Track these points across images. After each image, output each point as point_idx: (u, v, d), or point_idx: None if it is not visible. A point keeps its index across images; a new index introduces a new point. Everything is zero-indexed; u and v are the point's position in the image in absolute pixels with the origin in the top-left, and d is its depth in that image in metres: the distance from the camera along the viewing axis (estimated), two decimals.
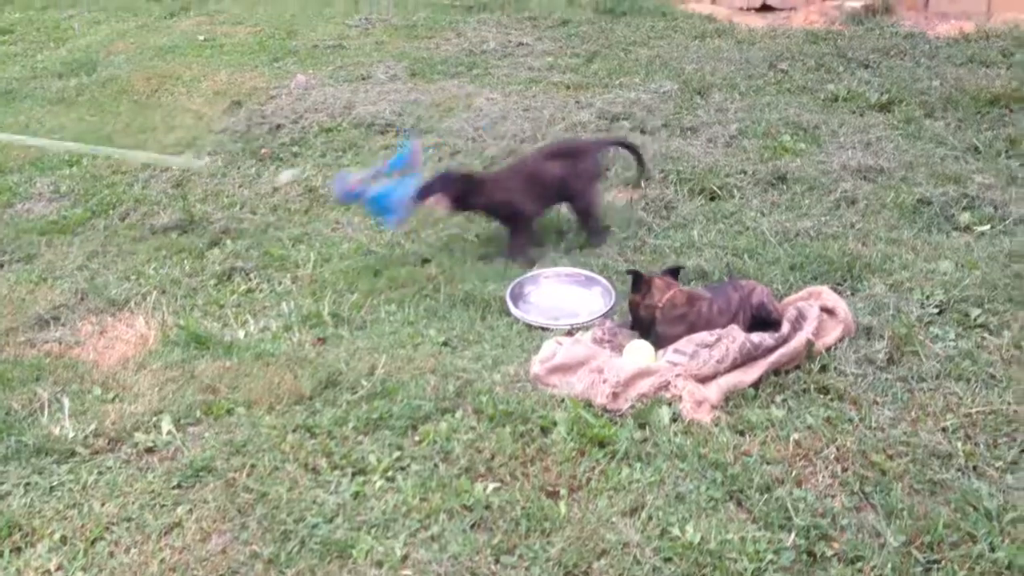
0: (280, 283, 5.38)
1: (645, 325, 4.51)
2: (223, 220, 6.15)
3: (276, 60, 9.26)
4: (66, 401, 4.37)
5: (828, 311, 4.39)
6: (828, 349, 4.28)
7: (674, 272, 4.58)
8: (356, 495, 3.67)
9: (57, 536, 3.58)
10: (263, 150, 7.21)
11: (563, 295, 5.08)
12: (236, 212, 6.28)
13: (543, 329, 4.74)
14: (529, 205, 5.45)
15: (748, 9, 9.50)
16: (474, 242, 5.68)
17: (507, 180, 5.48)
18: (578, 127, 7.05)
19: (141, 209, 6.44)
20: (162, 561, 3.43)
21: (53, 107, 8.46)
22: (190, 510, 3.68)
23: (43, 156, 7.33)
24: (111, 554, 3.49)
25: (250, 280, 5.44)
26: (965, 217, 5.48)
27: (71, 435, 4.14)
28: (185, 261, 5.71)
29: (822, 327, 4.30)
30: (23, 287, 5.51)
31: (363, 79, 8.56)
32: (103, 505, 3.73)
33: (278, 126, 7.58)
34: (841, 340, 4.32)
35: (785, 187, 5.96)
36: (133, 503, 3.73)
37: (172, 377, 4.54)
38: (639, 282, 4.51)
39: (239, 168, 6.93)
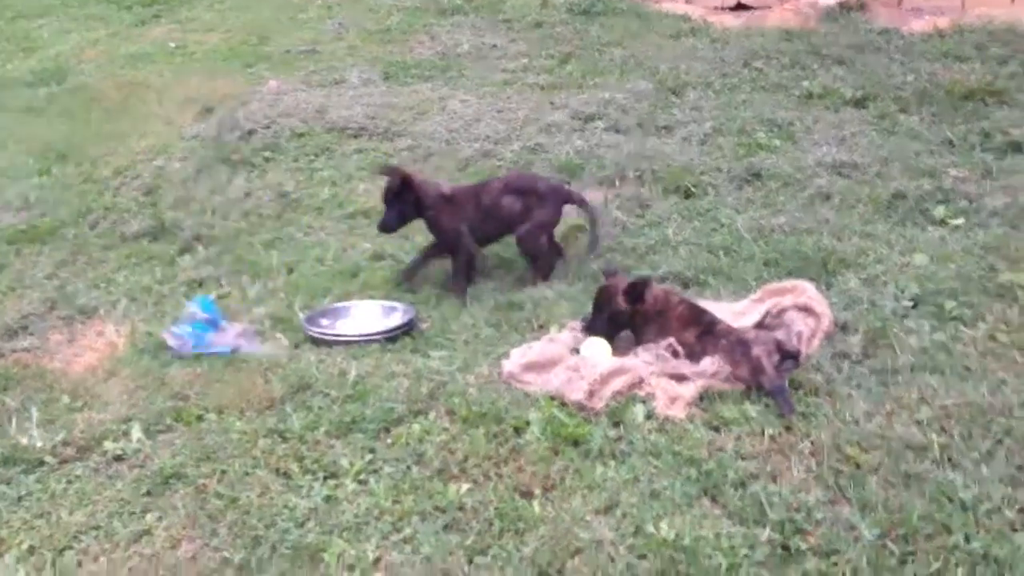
0: (252, 289, 5.32)
1: (619, 329, 4.46)
2: (194, 226, 6.10)
3: (248, 66, 9.18)
4: (34, 410, 4.32)
5: (805, 309, 4.36)
6: None
7: (643, 283, 4.47)
8: (328, 499, 3.63)
9: (25, 546, 3.53)
10: (234, 156, 7.14)
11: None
12: (207, 218, 6.23)
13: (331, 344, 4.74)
14: (474, 242, 5.25)
15: (723, 8, 9.47)
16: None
17: (461, 207, 5.24)
18: (553, 128, 7.01)
19: (111, 217, 6.37)
20: (131, 569, 3.39)
21: (22, 116, 8.36)
22: (159, 517, 3.63)
23: (12, 164, 7.25)
24: (79, 563, 3.44)
25: (221, 286, 5.39)
26: (940, 211, 5.47)
27: (39, 444, 4.08)
28: (156, 268, 5.66)
29: (801, 337, 4.27)
30: None
31: (336, 83, 8.49)
32: (71, 514, 3.68)
33: (250, 131, 7.51)
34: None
35: (760, 184, 5.95)
36: (102, 511, 3.68)
37: (142, 384, 4.49)
38: (642, 291, 4.42)
39: (210, 174, 6.86)
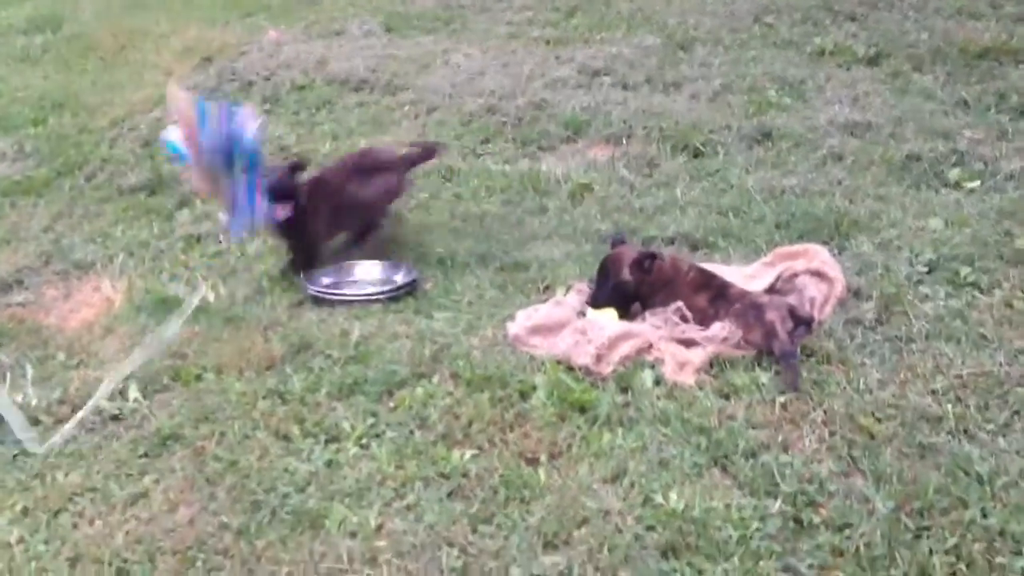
0: (251, 246, 5.21)
1: (625, 302, 4.32)
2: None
3: (248, 15, 9.02)
4: (29, 368, 4.24)
5: (818, 274, 4.26)
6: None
7: (651, 256, 4.31)
8: (329, 463, 3.55)
9: (19, 507, 3.45)
10: None
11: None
12: None
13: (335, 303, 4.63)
14: (322, 235, 4.95)
15: None
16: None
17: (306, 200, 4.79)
18: (558, 83, 6.88)
19: (108, 169, 6.26)
20: (127, 533, 3.30)
21: (17, 65, 8.21)
22: (157, 480, 3.55)
23: (7, 114, 7.12)
24: (75, 525, 3.36)
25: (220, 242, 5.28)
26: (955, 173, 5.35)
27: (34, 403, 4.00)
28: (153, 223, 5.54)
29: (814, 303, 4.17)
30: None
31: (337, 34, 8.36)
32: (67, 475, 3.60)
33: (250, 83, 7.38)
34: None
35: (771, 144, 5.82)
36: (98, 473, 3.60)
37: (138, 342, 4.39)
38: (650, 265, 4.28)
39: None
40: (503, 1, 8.90)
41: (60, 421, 3.92)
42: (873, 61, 6.89)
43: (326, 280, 4.82)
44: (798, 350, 3.89)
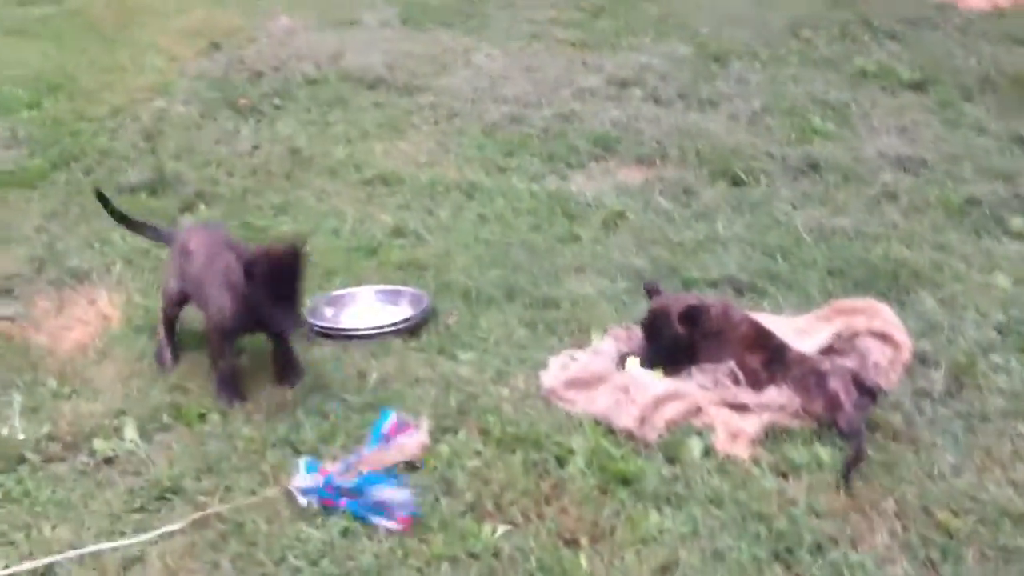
0: None
1: (681, 359, 3.93)
2: (197, 181, 5.61)
3: None
4: (17, 397, 3.88)
5: (882, 336, 3.92)
6: None
7: (701, 309, 3.92)
8: (345, 532, 3.20)
9: (1, 565, 3.11)
10: (242, 100, 6.63)
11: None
12: (212, 172, 5.74)
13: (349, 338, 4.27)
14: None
15: None
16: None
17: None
18: (586, 93, 6.52)
19: (107, 163, 5.88)
20: None
21: (13, 40, 7.80)
22: (154, 542, 3.20)
23: None
24: None
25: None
26: (1018, 222, 5.00)
27: (21, 437, 3.66)
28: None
29: (879, 369, 3.83)
30: None
31: (351, 24, 7.96)
32: (54, 529, 3.27)
33: (259, 74, 6.99)
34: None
35: (818, 176, 5.46)
36: (88, 528, 3.26)
37: (137, 371, 4.06)
38: (698, 317, 3.90)
39: (215, 120, 6.36)
40: None
41: (49, 460, 3.58)
42: (919, 86, 6.53)
43: (328, 311, 4.46)
44: (863, 426, 3.55)
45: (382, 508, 3.26)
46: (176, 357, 4.12)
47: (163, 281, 4.20)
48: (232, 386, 3.89)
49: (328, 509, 3.29)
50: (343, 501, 3.30)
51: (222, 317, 3.85)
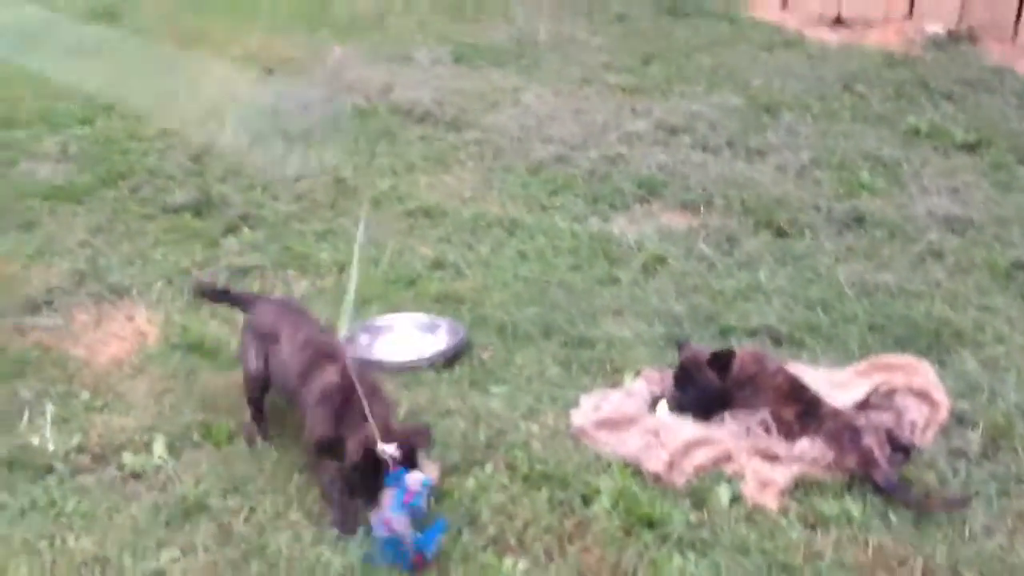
0: (298, 286, 4.87)
1: (715, 408, 3.90)
2: (242, 204, 5.65)
3: (312, 29, 8.70)
4: (50, 406, 3.91)
5: (920, 394, 3.86)
6: None
7: (727, 355, 3.90)
8: (367, 557, 3.19)
9: (23, 573, 3.14)
10: (291, 129, 6.68)
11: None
12: (257, 196, 5.77)
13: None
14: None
15: (820, 23, 8.86)
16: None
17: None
18: (634, 137, 6.51)
19: (155, 182, 5.94)
20: None
21: (71, 58, 7.93)
22: (176, 558, 3.22)
23: (54, 110, 6.83)
24: None
25: (265, 278, 4.94)
26: None
27: (51, 448, 3.70)
28: (197, 248, 5.21)
29: (914, 428, 3.77)
30: (18, 261, 5.04)
31: (403, 60, 8.01)
32: (78, 539, 3.30)
33: (309, 104, 7.04)
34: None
35: (863, 231, 5.39)
36: (113, 541, 3.29)
37: (170, 388, 4.08)
38: (727, 362, 3.87)
39: (264, 147, 6.41)
40: (577, 42, 8.53)
41: (77, 472, 3.61)
42: (972, 148, 6.43)
43: (365, 338, 4.46)
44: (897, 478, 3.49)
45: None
46: (265, 435, 3.81)
47: (243, 359, 3.86)
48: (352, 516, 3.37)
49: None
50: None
51: (320, 436, 3.47)
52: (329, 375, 3.48)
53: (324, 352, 3.58)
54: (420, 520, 3.21)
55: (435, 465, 3.56)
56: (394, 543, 3.16)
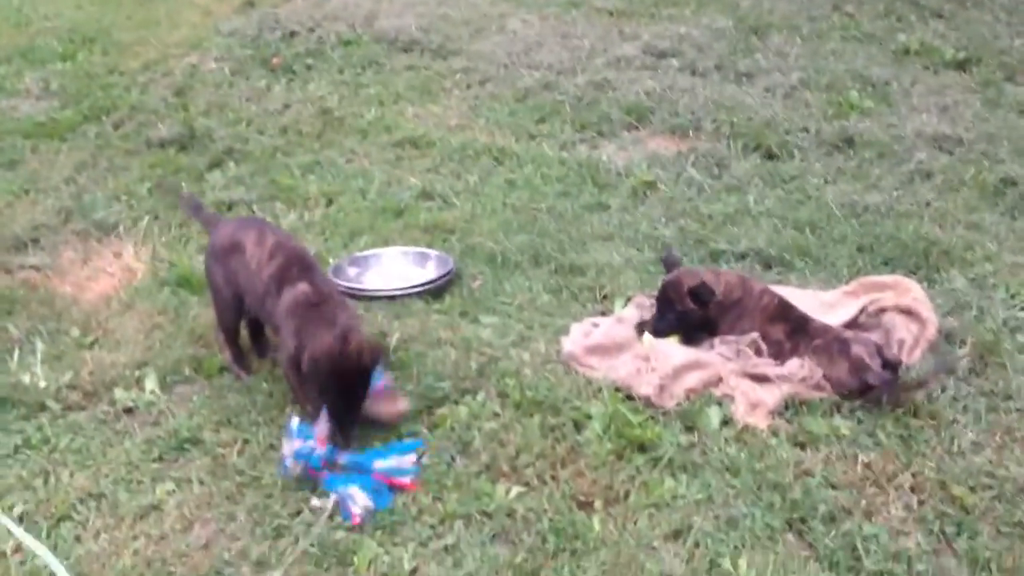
0: (286, 219, 4.85)
1: (692, 330, 3.91)
2: (227, 138, 5.62)
3: None
4: (39, 344, 3.91)
5: (908, 312, 3.87)
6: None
7: (708, 291, 3.85)
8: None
9: (18, 511, 3.15)
10: (275, 59, 6.61)
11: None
12: (242, 130, 5.74)
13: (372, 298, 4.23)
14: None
15: None
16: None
17: None
18: (621, 62, 6.45)
19: (138, 117, 5.90)
20: (135, 552, 2.99)
21: None
22: (171, 491, 3.23)
23: (34, 45, 6.75)
24: (78, 538, 3.05)
25: (252, 213, 4.91)
26: None
27: (43, 385, 3.70)
28: (183, 183, 5.17)
29: (903, 346, 3.78)
30: (2, 199, 5.02)
31: None
32: (72, 476, 3.30)
33: (292, 33, 6.97)
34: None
35: (852, 152, 5.38)
36: (106, 476, 3.30)
37: (159, 323, 4.07)
38: (707, 299, 3.85)
39: (247, 79, 6.35)
40: None
41: (69, 409, 3.61)
42: (962, 66, 6.40)
43: (352, 271, 4.45)
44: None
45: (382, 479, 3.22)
46: (249, 369, 3.79)
47: (212, 286, 3.79)
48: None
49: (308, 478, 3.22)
50: (324, 473, 3.23)
51: (298, 357, 3.39)
52: (302, 286, 3.46)
53: (297, 259, 3.58)
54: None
55: (404, 399, 3.56)
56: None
